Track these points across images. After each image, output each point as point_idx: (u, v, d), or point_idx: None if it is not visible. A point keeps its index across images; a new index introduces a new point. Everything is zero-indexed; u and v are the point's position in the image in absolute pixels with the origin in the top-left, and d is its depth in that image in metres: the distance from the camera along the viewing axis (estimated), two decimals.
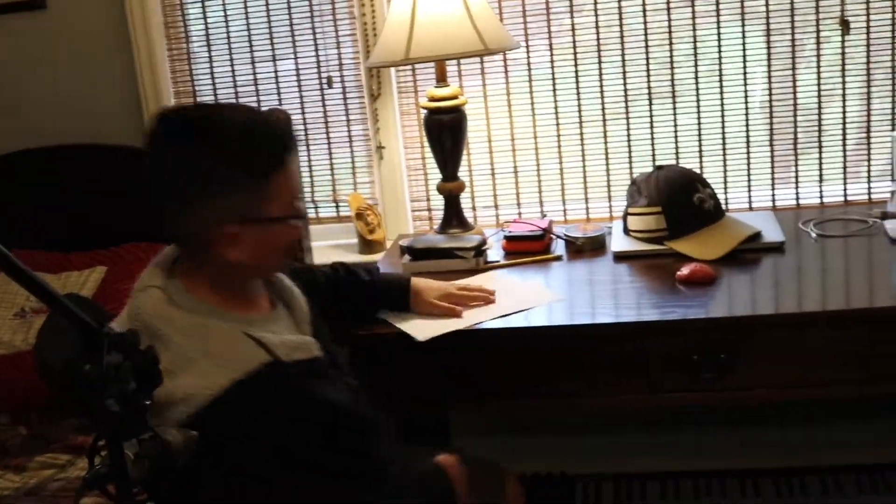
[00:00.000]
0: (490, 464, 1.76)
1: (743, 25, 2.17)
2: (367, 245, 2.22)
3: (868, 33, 2.13)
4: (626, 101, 2.23)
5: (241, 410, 1.21)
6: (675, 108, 2.22)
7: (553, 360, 1.75)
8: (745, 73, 2.19)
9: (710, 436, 2.31)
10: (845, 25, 2.13)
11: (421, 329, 1.68)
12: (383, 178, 2.30)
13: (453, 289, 1.76)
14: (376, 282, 1.75)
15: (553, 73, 2.23)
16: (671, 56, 2.19)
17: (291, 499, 1.24)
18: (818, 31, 2.15)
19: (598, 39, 2.20)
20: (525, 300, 1.79)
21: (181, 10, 2.32)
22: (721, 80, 2.19)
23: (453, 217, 2.15)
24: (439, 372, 1.76)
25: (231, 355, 1.23)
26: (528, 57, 2.23)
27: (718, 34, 2.17)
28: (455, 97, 2.08)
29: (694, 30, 2.18)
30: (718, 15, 2.16)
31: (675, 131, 2.23)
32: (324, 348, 1.37)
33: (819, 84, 2.18)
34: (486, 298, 1.77)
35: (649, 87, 2.22)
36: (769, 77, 2.20)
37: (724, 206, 2.07)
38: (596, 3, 2.17)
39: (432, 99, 2.09)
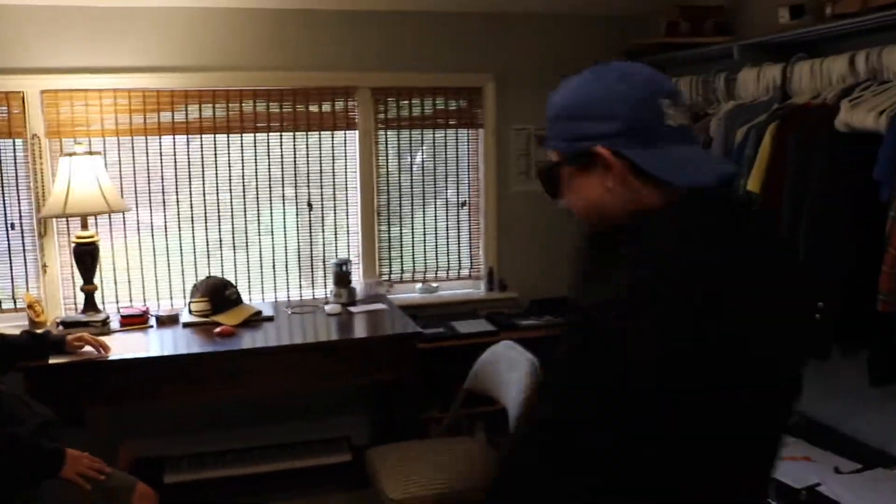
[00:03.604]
0: (110, 435, 3.25)
1: (257, 202, 4.07)
2: (36, 325, 3.67)
3: (322, 209, 4.14)
4: (194, 243, 3.99)
5: None
6: (221, 248, 4.03)
7: (154, 376, 3.27)
8: (251, 230, 4.08)
9: (247, 418, 4.04)
10: (310, 206, 4.12)
11: (61, 359, 3.17)
12: (46, 284, 3.79)
13: (85, 334, 3.24)
14: (48, 340, 3.19)
15: (152, 223, 3.92)
16: (219, 220, 4.00)
17: None
18: (297, 206, 4.11)
19: (178, 204, 3.95)
20: (134, 349, 3.34)
21: None
22: (234, 235, 4.05)
23: (91, 305, 3.70)
24: (84, 384, 3.20)
25: None
26: (137, 213, 3.92)
27: (245, 206, 4.03)
28: (92, 237, 3.66)
29: (232, 206, 4.02)
30: (244, 195, 4.03)
31: (221, 260, 4.04)
32: None
33: (298, 239, 4.14)
34: (103, 347, 3.24)
35: (207, 238, 4.00)
36: (271, 232, 4.10)
37: (243, 298, 3.87)
38: (177, 185, 3.93)
39: (78, 238, 3.66)
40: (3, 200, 3.73)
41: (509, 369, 3.15)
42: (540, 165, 1.34)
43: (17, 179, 3.73)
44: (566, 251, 4.37)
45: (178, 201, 3.94)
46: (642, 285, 1.14)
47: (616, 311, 1.14)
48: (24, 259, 3.79)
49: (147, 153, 3.87)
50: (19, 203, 3.75)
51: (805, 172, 2.81)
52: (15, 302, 3.77)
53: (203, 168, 3.95)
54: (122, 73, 3.71)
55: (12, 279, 3.78)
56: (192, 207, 3.97)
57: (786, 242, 1.44)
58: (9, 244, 3.76)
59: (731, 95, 3.43)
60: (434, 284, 4.30)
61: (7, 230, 3.74)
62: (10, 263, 3.77)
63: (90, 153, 3.58)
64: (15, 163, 3.72)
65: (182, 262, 3.99)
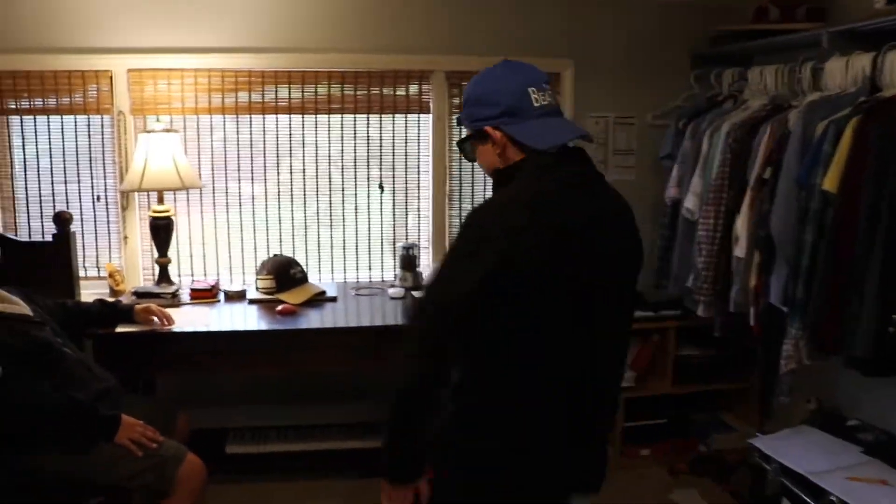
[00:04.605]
0: (170, 404, 3.34)
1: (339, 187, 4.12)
2: (115, 293, 3.84)
3: (394, 192, 4.14)
4: (267, 221, 4.08)
5: None
6: (293, 227, 4.10)
7: (214, 349, 3.40)
8: (322, 210, 4.13)
9: (309, 396, 4.11)
10: (381, 188, 4.13)
11: (128, 328, 3.32)
12: (127, 255, 3.96)
13: (152, 305, 3.40)
14: (117, 309, 3.37)
15: (227, 200, 4.02)
16: (292, 199, 4.07)
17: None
18: (369, 188, 4.13)
19: (252, 183, 4.04)
20: (199, 322, 3.47)
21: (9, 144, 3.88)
22: (307, 215, 4.11)
23: (164, 277, 3.84)
24: (150, 354, 3.37)
25: None
26: (215, 189, 4.04)
27: (318, 187, 4.08)
28: (167, 211, 3.79)
29: (304, 187, 4.08)
30: (318, 175, 4.08)
31: (293, 238, 4.10)
32: (50, 326, 2.90)
33: (369, 221, 4.16)
34: (168, 318, 3.38)
35: (279, 217, 4.08)
36: (342, 213, 4.14)
37: (308, 278, 3.91)
38: (252, 163, 4.02)
39: (154, 212, 3.80)
40: (91, 173, 3.91)
41: None
42: (458, 140, 1.95)
43: (103, 154, 3.91)
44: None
45: (252, 179, 4.02)
46: (503, 203, 1.74)
47: (485, 215, 1.72)
48: (108, 230, 3.96)
49: (224, 131, 3.96)
50: (105, 177, 3.92)
51: (887, 169, 2.60)
52: (98, 270, 3.96)
53: (278, 147, 4.02)
54: (203, 53, 3.81)
55: (96, 248, 3.96)
56: (265, 185, 4.04)
57: (613, 192, 1.92)
58: (94, 215, 3.94)
59: (817, 86, 3.20)
60: None
61: (93, 202, 3.92)
62: (96, 234, 3.95)
63: (167, 130, 3.69)
64: (102, 138, 3.89)
65: (255, 239, 4.08)
